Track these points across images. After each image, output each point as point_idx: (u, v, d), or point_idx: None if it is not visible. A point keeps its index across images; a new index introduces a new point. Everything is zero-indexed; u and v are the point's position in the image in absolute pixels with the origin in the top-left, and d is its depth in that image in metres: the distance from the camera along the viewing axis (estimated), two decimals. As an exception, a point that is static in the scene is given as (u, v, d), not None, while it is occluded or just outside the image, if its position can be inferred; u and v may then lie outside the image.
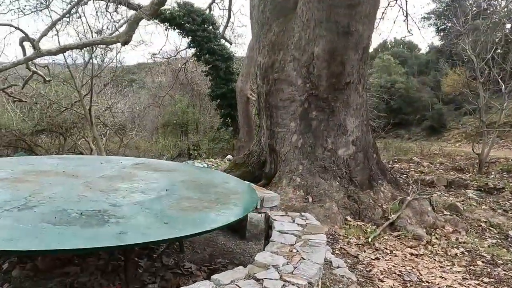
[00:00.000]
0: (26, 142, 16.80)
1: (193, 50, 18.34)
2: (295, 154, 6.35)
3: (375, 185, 6.41)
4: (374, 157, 6.80)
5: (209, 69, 17.78)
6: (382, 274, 4.20)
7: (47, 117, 15.05)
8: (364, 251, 4.82)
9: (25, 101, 12.75)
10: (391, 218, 5.70)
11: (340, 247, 4.87)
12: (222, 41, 17.81)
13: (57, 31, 11.57)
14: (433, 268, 4.54)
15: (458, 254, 5.00)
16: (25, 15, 11.87)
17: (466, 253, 5.07)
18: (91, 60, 14.28)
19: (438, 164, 14.06)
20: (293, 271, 2.65)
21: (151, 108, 23.27)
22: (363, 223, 5.65)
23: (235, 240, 4.56)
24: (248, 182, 5.20)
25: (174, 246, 4.23)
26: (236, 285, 2.37)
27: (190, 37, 17.37)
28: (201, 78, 21.74)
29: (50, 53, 8.77)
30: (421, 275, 4.29)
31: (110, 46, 17.58)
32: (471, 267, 4.62)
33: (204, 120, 24.05)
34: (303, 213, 4.10)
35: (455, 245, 5.27)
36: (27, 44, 8.42)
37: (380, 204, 6.12)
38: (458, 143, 21.18)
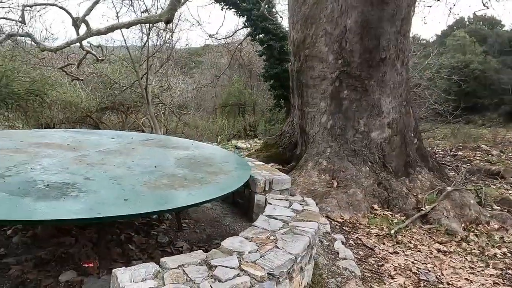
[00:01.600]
0: (93, 119, 18.03)
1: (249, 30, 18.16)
2: (324, 135, 5.96)
3: (412, 172, 5.83)
4: (414, 142, 6.17)
5: (264, 48, 17.48)
6: (395, 270, 3.78)
7: (109, 95, 15.94)
8: (383, 243, 4.39)
9: (82, 79, 13.57)
10: (424, 209, 5.14)
11: (357, 237, 4.48)
12: (279, 19, 17.40)
13: (117, 13, 12.02)
14: (460, 268, 4.00)
15: (497, 255, 4.37)
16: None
17: (509, 255, 4.42)
18: (147, 41, 14.74)
19: (510, 154, 12.60)
20: (257, 260, 2.42)
21: (209, 88, 23.65)
22: (390, 213, 5.16)
23: (242, 222, 4.39)
24: (260, 163, 4.98)
25: (177, 224, 4.17)
26: (183, 270, 2.21)
27: (245, 17, 17.17)
28: (259, 58, 21.55)
29: (99, 32, 9.10)
30: (442, 275, 3.80)
31: (169, 27, 18.15)
32: (509, 271, 3.99)
33: (262, 101, 23.96)
34: (305, 198, 3.80)
35: (496, 244, 4.62)
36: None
37: (415, 194, 5.56)
38: (541, 131, 18.76)
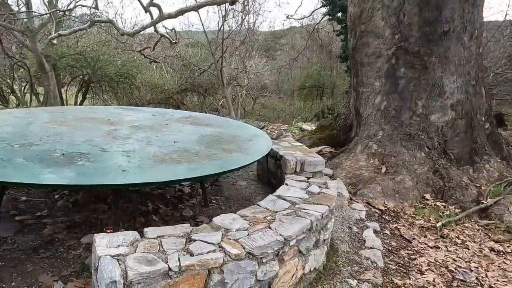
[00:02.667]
0: (175, 100, 19.16)
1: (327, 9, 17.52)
2: (376, 117, 5.54)
3: (478, 161, 5.16)
4: (485, 126, 5.44)
5: (341, 28, 16.73)
6: (428, 265, 3.41)
7: (188, 77, 16.73)
8: (424, 236, 3.98)
9: (159, 62, 14.36)
10: (485, 202, 4.53)
11: (395, 227, 4.13)
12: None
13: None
14: (513, 271, 3.47)
15: None
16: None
17: None
18: (223, 24, 15.06)
19: None
20: (240, 238, 2.35)
21: (288, 71, 23.49)
22: (444, 204, 4.65)
23: (273, 203, 4.31)
24: (297, 144, 4.81)
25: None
26: (160, 240, 2.23)
27: (323, -5, 16.58)
28: (338, 39, 20.74)
29: (170, 16, 9.49)
30: (486, 276, 3.33)
31: (247, 10, 18.34)
32: None
33: (342, 83, 23.16)
34: (328, 181, 3.58)
35: None
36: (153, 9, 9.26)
37: (478, 185, 4.92)
38: None
